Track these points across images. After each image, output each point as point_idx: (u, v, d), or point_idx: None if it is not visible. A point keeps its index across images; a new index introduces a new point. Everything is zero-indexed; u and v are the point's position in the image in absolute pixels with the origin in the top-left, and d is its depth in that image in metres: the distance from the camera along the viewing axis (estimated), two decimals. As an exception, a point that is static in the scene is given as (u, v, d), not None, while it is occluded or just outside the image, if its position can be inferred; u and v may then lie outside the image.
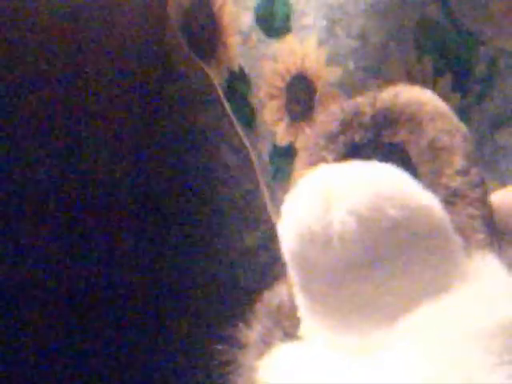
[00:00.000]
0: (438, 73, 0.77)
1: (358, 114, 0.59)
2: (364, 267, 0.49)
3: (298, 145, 0.83)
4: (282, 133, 0.84)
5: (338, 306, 0.51)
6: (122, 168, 0.92)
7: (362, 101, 0.59)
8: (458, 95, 0.76)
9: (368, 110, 0.58)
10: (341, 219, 0.49)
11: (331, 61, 0.79)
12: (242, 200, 0.89)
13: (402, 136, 0.57)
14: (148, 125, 0.94)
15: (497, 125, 0.75)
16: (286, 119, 0.83)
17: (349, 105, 0.60)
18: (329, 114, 0.60)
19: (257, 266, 0.88)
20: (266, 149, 0.86)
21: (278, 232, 0.53)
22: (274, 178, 0.86)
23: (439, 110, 0.57)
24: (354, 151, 0.58)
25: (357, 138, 0.58)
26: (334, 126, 0.59)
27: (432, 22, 0.76)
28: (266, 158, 0.86)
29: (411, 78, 0.77)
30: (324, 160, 0.58)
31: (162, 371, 0.94)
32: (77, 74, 0.88)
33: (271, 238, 0.86)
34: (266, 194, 0.86)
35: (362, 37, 0.77)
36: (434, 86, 0.76)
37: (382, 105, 0.58)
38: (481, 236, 0.53)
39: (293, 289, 0.55)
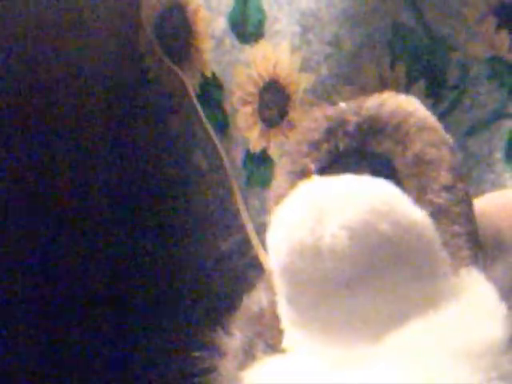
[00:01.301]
0: (411, 79, 0.77)
1: (342, 121, 0.57)
2: (353, 281, 0.49)
3: (272, 151, 0.83)
4: (255, 139, 0.84)
5: (326, 319, 0.50)
6: (95, 173, 0.92)
7: (347, 108, 0.58)
8: (431, 102, 0.76)
9: (353, 118, 0.57)
10: (332, 233, 0.48)
11: (304, 67, 0.79)
12: (215, 206, 0.88)
13: (387, 146, 0.56)
14: (121, 129, 0.93)
15: (469, 132, 0.75)
16: (259, 125, 0.83)
17: (333, 112, 0.58)
18: (312, 121, 0.58)
19: (231, 271, 0.88)
20: (239, 154, 0.85)
21: (267, 242, 0.53)
22: (247, 183, 0.86)
23: (426, 121, 0.56)
24: (338, 159, 0.57)
25: (341, 146, 0.57)
26: (317, 134, 0.57)
27: (405, 29, 0.76)
28: (239, 163, 0.86)
29: (384, 85, 0.77)
30: (306, 168, 0.57)
31: (139, 379, 0.93)
32: (48, 78, 0.88)
33: (245, 243, 0.86)
34: (239, 199, 0.86)
35: (335, 43, 0.77)
36: (407, 93, 0.75)
37: (367, 113, 0.57)
38: (466, 253, 0.53)
39: (275, 298, 0.54)
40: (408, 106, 0.57)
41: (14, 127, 0.87)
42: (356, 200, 0.50)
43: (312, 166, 0.57)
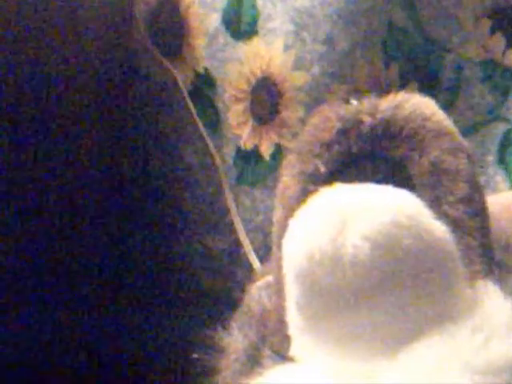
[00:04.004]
0: (405, 80, 0.77)
1: (356, 122, 0.55)
2: (371, 293, 0.48)
3: (264, 149, 0.83)
4: (246, 136, 0.83)
5: (339, 329, 0.49)
6: (85, 169, 0.91)
7: (361, 108, 0.56)
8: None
9: (367, 120, 0.55)
10: (354, 243, 0.48)
11: (297, 65, 0.79)
12: (204, 203, 0.88)
13: (402, 152, 0.54)
14: (112, 125, 0.93)
15: (461, 134, 0.75)
16: (251, 122, 0.83)
17: (346, 112, 0.56)
18: (324, 120, 0.56)
19: (219, 269, 0.88)
20: (229, 152, 0.85)
21: (283, 247, 0.51)
22: (237, 181, 0.85)
23: (443, 125, 0.55)
24: (350, 162, 0.55)
25: (354, 148, 0.55)
26: (329, 134, 0.55)
27: (399, 30, 0.76)
28: (230, 161, 0.85)
29: (378, 85, 0.77)
30: (317, 169, 0.55)
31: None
32: (39, 73, 0.87)
33: (234, 241, 0.86)
34: (229, 197, 0.86)
35: (329, 42, 0.77)
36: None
37: (382, 115, 0.55)
38: (480, 266, 0.52)
39: (282, 303, 0.53)
40: (425, 109, 0.55)
41: (5, 123, 0.87)
42: (379, 212, 0.49)
43: (323, 168, 0.55)
